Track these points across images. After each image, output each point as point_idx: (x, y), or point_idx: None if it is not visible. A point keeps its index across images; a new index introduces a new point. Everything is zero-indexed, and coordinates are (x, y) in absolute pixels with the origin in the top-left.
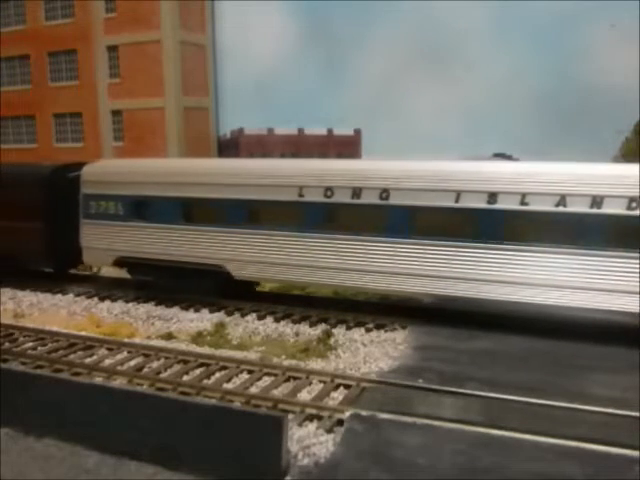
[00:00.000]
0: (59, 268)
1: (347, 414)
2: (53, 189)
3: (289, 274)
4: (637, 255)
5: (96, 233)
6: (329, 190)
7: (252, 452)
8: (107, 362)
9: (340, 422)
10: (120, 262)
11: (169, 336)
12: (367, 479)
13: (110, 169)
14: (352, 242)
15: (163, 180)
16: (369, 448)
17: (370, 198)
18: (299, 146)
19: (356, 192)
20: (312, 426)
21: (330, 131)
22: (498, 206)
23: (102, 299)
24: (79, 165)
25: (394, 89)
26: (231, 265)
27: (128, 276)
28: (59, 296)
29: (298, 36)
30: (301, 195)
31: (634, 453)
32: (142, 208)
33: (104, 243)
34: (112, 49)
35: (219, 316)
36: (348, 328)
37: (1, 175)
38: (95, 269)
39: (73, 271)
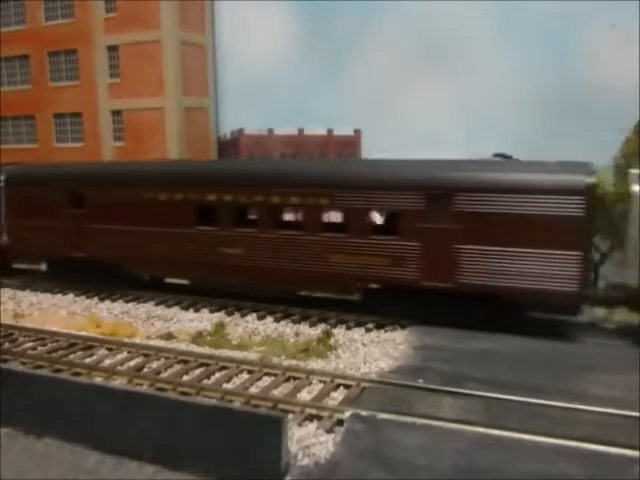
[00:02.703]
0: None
1: (347, 414)
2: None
3: None
4: None
5: None
6: None
7: (252, 452)
8: (107, 362)
9: (340, 422)
10: None
11: (169, 336)
12: (367, 479)
13: None
14: None
15: None
16: (369, 448)
17: None
18: (299, 146)
19: None
20: (312, 426)
21: (330, 131)
22: None
23: (102, 299)
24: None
25: (394, 89)
26: None
27: None
28: (59, 296)
29: (298, 36)
30: None
31: (634, 453)
32: None
33: None
34: (112, 49)
35: (219, 316)
36: (348, 328)
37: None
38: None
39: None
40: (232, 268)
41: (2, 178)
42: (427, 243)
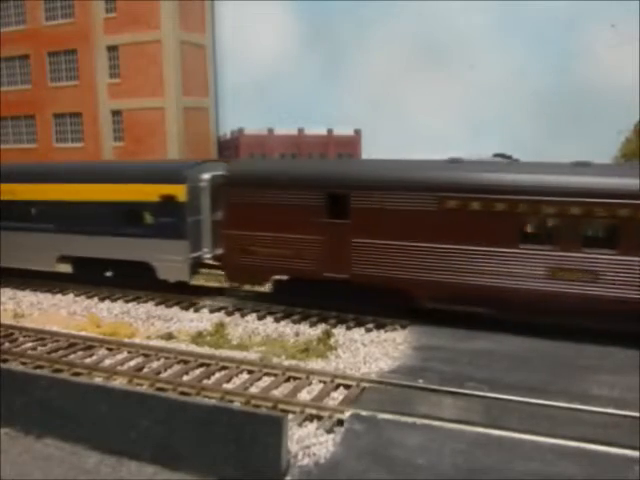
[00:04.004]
0: None
1: (347, 414)
2: None
3: None
4: None
5: None
6: None
7: (252, 452)
8: (107, 362)
9: (340, 422)
10: None
11: (169, 336)
12: (367, 479)
13: None
14: None
15: None
16: (369, 448)
17: None
18: (299, 146)
19: None
20: (312, 426)
21: (330, 131)
22: None
23: (102, 299)
24: None
25: (394, 89)
26: None
27: None
28: (59, 296)
29: (298, 36)
30: None
31: (634, 453)
32: None
33: None
34: (112, 49)
35: (219, 316)
36: (348, 328)
37: None
38: None
39: None
40: (571, 298)
41: (207, 177)
42: None
